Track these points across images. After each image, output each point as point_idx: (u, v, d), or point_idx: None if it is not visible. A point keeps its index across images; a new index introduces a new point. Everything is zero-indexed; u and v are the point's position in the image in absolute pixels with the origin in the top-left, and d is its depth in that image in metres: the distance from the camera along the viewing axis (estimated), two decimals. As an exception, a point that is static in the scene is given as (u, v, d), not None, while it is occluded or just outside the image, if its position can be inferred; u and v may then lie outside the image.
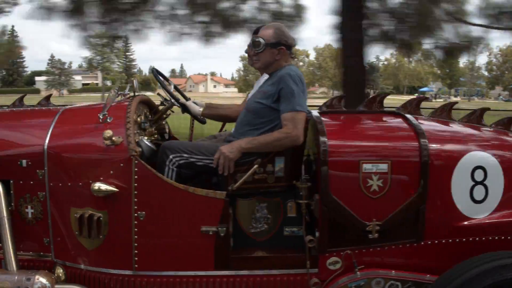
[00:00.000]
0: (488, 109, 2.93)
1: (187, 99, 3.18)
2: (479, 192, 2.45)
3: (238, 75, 75.78)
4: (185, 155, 2.50)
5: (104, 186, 2.40)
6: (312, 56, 68.55)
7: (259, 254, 2.52)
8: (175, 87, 3.18)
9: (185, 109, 3.07)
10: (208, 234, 2.42)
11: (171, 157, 2.49)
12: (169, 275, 2.47)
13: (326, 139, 2.37)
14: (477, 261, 2.23)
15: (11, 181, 2.58)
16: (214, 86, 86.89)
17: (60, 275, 2.58)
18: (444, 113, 2.82)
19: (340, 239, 2.42)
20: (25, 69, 75.60)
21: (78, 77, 76.48)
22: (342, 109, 2.92)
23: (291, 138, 2.40)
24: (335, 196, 2.36)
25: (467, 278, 2.16)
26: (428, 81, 68.35)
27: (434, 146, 2.42)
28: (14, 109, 3.01)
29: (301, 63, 65.55)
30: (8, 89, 56.66)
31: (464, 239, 2.45)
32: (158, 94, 3.15)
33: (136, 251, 2.46)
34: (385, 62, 66.36)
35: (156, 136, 3.05)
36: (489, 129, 2.77)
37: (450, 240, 2.45)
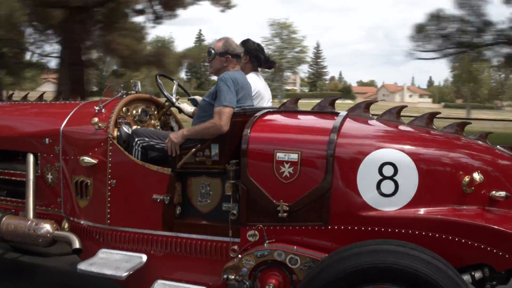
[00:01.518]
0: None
1: (190, 96, 3.84)
2: (387, 186, 2.63)
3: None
4: (146, 139, 3.16)
5: (87, 159, 3.18)
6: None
7: (198, 222, 3.04)
8: (179, 85, 3.87)
9: (179, 109, 3.73)
10: (157, 202, 3.03)
11: (136, 139, 3.18)
12: (130, 231, 3.14)
13: (248, 130, 2.81)
14: (362, 244, 2.46)
15: (38, 154, 3.52)
16: (410, 96, 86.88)
17: (66, 226, 3.43)
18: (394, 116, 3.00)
19: (257, 215, 2.81)
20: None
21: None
22: (295, 109, 3.25)
23: (215, 127, 2.89)
24: (252, 178, 2.78)
25: (343, 256, 2.42)
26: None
27: (342, 140, 2.68)
28: (48, 101, 4.00)
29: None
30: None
31: (369, 228, 2.64)
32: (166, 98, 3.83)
33: (108, 210, 3.19)
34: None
35: (158, 127, 3.76)
36: (428, 131, 2.89)
37: (356, 227, 2.66)
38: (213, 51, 3.19)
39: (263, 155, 2.78)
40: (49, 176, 3.51)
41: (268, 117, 3.01)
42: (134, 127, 3.43)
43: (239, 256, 2.81)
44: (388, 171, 2.63)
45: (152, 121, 3.78)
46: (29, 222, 3.34)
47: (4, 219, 3.41)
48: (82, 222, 3.34)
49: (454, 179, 2.67)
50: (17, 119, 3.81)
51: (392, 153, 2.64)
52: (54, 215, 3.51)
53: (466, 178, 2.64)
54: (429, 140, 2.81)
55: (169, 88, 3.88)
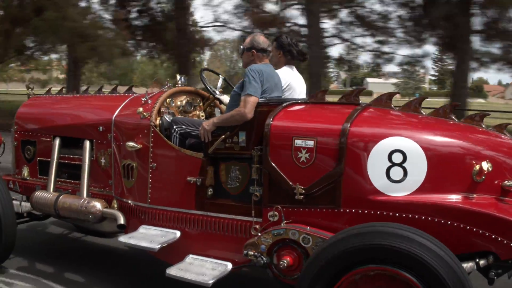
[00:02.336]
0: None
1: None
2: (396, 172, 2.80)
3: None
4: (183, 126, 3.52)
5: (132, 144, 3.60)
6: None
7: (226, 202, 3.34)
8: (224, 79, 4.22)
9: (220, 101, 4.07)
10: (190, 183, 3.38)
11: (175, 127, 3.55)
12: (167, 209, 3.51)
13: (270, 119, 3.08)
14: (365, 225, 2.65)
15: (94, 140, 4.00)
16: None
17: (115, 206, 3.87)
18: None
19: (276, 197, 3.07)
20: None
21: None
22: (321, 100, 3.46)
23: (240, 114, 3.18)
24: (273, 162, 3.04)
25: (339, 238, 2.62)
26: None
27: (355, 129, 2.88)
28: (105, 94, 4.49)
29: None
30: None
31: (378, 212, 2.81)
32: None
33: (149, 191, 3.58)
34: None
35: (203, 117, 4.13)
36: (444, 121, 3.01)
37: (366, 211, 2.85)
38: (241, 47, 3.51)
39: (283, 142, 3.03)
40: (102, 160, 3.97)
41: (292, 107, 3.26)
42: (178, 116, 3.81)
43: (259, 234, 3.08)
44: (397, 158, 2.79)
45: (197, 112, 4.16)
46: (82, 200, 3.82)
47: (61, 197, 3.92)
48: (127, 201, 3.76)
49: (463, 168, 2.77)
50: (77, 110, 4.33)
51: (402, 141, 2.80)
52: (106, 195, 3.96)
53: (476, 167, 2.74)
54: (440, 129, 2.92)
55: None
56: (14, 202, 4.30)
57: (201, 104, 4.22)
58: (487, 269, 2.75)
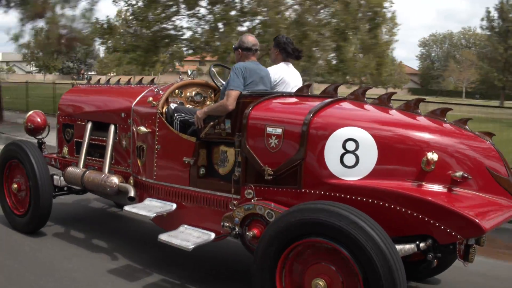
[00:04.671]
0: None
1: None
2: (349, 159, 3.13)
3: None
4: (183, 114, 4.05)
5: (143, 128, 4.18)
6: None
7: (213, 181, 3.83)
8: None
9: None
10: (185, 163, 3.90)
11: (175, 115, 4.09)
12: (167, 185, 4.07)
13: (249, 109, 3.52)
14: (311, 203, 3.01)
15: (117, 125, 4.64)
16: None
17: (131, 182, 4.48)
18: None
19: (251, 177, 3.50)
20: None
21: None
22: (303, 93, 3.83)
23: (223, 106, 3.64)
24: (249, 147, 3.48)
25: (291, 211, 3.01)
26: None
27: (316, 119, 3.24)
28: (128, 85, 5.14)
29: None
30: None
31: (332, 194, 3.16)
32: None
33: (155, 168, 4.15)
34: None
35: None
36: (392, 112, 3.32)
37: (323, 192, 3.20)
38: (233, 47, 3.98)
39: (257, 129, 3.46)
40: (124, 142, 4.60)
41: (271, 99, 3.67)
42: (180, 105, 4.34)
43: (234, 208, 3.54)
44: (350, 146, 3.12)
45: (208, 102, 4.68)
46: (103, 175, 4.47)
47: (87, 172, 4.60)
48: (139, 177, 4.36)
49: (412, 157, 3.04)
50: (106, 98, 5.00)
51: (355, 131, 3.13)
52: (125, 172, 4.59)
53: (425, 158, 3.00)
54: (396, 121, 3.21)
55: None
56: (55, 177, 5.07)
57: (212, 95, 4.74)
58: (426, 252, 3.01)
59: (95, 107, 4.98)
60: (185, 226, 3.89)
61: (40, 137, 5.45)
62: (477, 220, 2.72)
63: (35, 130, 5.40)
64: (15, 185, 5.05)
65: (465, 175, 2.99)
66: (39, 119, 5.42)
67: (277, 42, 4.34)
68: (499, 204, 3.04)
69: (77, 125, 5.14)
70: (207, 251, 4.46)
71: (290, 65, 4.40)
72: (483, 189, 3.08)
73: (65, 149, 5.28)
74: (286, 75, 4.27)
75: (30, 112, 5.53)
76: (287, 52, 4.31)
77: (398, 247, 2.89)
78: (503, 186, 3.10)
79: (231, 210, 3.58)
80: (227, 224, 3.55)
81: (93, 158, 4.96)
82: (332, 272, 2.87)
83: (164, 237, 3.71)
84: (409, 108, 3.37)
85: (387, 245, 2.70)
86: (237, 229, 3.50)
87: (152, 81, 5.01)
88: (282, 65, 4.33)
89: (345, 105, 3.47)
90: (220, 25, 12.93)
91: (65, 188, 5.20)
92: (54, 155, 5.42)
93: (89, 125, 4.93)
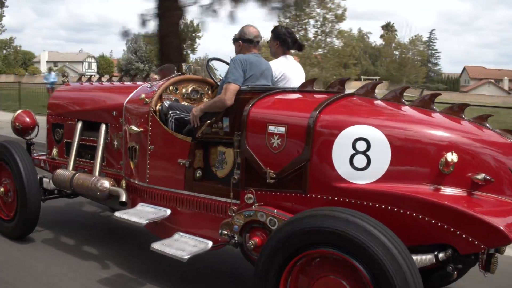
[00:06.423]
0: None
1: None
2: (360, 160, 2.84)
3: None
4: (178, 111, 3.75)
5: (134, 127, 3.89)
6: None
7: (211, 184, 3.53)
8: None
9: None
10: (180, 165, 3.61)
11: (170, 112, 3.79)
12: (161, 189, 3.77)
13: (249, 107, 3.23)
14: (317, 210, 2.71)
15: (108, 124, 4.35)
16: None
17: (123, 185, 4.19)
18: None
19: (252, 180, 3.21)
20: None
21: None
22: (307, 89, 3.52)
23: (220, 101, 3.35)
24: (249, 147, 3.19)
25: (296, 218, 2.71)
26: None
27: (324, 117, 2.95)
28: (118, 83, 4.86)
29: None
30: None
31: (341, 199, 2.87)
32: None
33: (148, 171, 3.86)
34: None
35: None
36: (406, 109, 3.01)
37: (330, 197, 2.91)
38: (233, 38, 3.70)
39: (258, 128, 3.17)
40: (115, 143, 4.32)
41: (273, 95, 3.38)
42: (175, 103, 4.06)
43: (233, 215, 3.25)
44: (361, 146, 2.83)
45: (205, 99, 4.38)
46: (93, 178, 4.18)
47: (77, 175, 4.31)
48: (131, 180, 4.07)
49: (430, 158, 2.74)
50: (97, 96, 4.71)
51: (366, 129, 2.83)
52: (117, 175, 4.30)
53: (443, 158, 2.71)
54: (411, 119, 2.91)
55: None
56: (44, 179, 4.79)
57: (209, 92, 4.44)
58: (446, 263, 2.72)
59: (85, 106, 4.69)
60: (180, 233, 3.60)
61: (29, 137, 5.17)
62: (502, 228, 2.44)
63: (23, 130, 5.13)
64: (1, 188, 4.77)
65: (488, 177, 2.69)
66: (28, 119, 5.15)
67: (276, 33, 4.05)
68: None
69: (67, 125, 4.86)
70: (205, 260, 4.17)
71: (291, 58, 4.11)
72: (507, 192, 2.79)
73: (55, 151, 5.00)
74: (287, 70, 3.98)
75: (19, 111, 5.25)
76: (288, 44, 4.02)
77: (414, 257, 2.59)
78: None
79: (230, 216, 3.29)
80: (226, 232, 3.26)
81: (84, 160, 4.68)
82: (342, 286, 2.58)
83: (157, 246, 3.42)
84: (425, 104, 3.07)
85: (403, 256, 2.41)
86: (236, 238, 3.21)
87: (147, 76, 4.73)
88: (281, 59, 4.04)
89: (354, 101, 3.18)
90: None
91: (56, 191, 4.92)
92: (44, 156, 5.14)
93: (79, 125, 4.65)
